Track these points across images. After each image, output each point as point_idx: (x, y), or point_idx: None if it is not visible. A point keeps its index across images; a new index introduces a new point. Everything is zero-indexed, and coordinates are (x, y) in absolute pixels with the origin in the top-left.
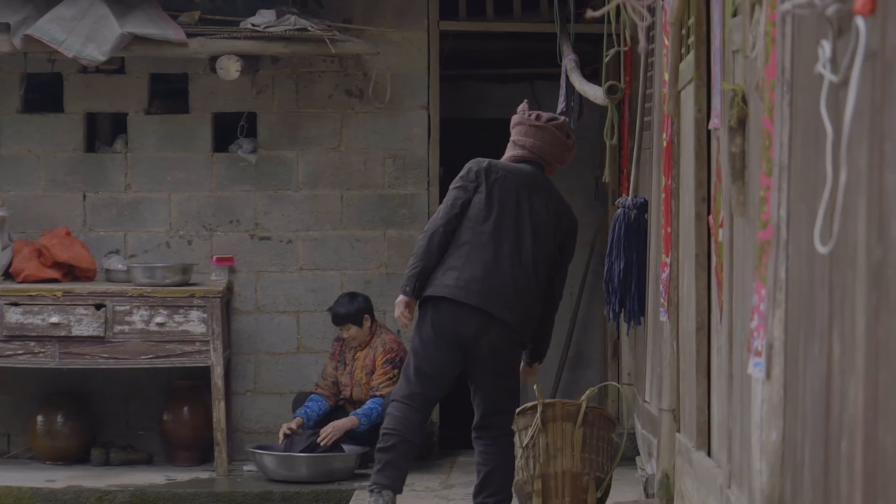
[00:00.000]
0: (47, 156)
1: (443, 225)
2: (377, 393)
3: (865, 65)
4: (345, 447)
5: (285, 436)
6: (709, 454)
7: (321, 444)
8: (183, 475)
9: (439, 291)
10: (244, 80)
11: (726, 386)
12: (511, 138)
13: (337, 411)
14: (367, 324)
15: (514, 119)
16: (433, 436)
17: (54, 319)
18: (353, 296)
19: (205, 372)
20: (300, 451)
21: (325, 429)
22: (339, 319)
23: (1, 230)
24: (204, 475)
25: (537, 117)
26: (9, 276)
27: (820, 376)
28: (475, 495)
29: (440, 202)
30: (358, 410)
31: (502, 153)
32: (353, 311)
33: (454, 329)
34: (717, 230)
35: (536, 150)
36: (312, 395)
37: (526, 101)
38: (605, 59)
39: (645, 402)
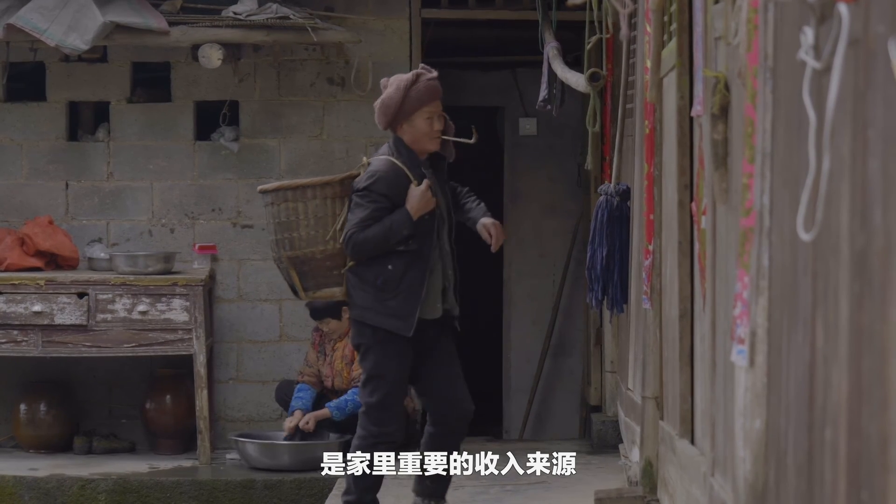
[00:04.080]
0: (29, 145)
1: None
2: (358, 384)
3: (848, 51)
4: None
5: (291, 434)
6: (692, 442)
7: (303, 428)
8: (165, 463)
9: None
10: (226, 68)
11: (709, 374)
12: None
13: (324, 398)
14: (345, 315)
15: None
16: (415, 423)
17: (37, 308)
18: None
19: (187, 360)
20: (282, 440)
21: (304, 418)
22: (317, 314)
23: None
24: (187, 463)
25: None
26: None
27: (803, 364)
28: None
29: None
30: (331, 403)
31: (482, 140)
32: (332, 304)
33: None
34: (699, 217)
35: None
36: (299, 385)
37: None
38: (587, 47)
39: (628, 389)
